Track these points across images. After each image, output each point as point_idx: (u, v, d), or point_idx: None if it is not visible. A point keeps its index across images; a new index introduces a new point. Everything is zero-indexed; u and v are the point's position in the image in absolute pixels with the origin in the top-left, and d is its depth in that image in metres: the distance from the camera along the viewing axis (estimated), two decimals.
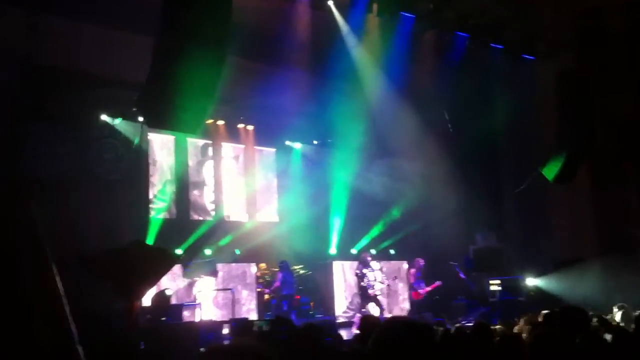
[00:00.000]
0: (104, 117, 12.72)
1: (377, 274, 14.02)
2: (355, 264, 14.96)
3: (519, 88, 15.50)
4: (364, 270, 13.82)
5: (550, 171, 14.54)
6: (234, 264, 14.38)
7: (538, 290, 15.13)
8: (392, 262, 16.45)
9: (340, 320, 14.89)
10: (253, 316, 13.98)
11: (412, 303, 15.21)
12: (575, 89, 13.97)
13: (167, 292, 12.02)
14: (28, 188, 9.62)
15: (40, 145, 11.21)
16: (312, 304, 14.54)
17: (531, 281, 15.29)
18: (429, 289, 14.83)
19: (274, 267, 14.33)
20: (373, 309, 13.76)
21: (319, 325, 6.07)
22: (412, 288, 15.09)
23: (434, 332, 2.42)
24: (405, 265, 16.56)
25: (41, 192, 9.78)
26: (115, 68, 11.92)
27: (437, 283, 14.88)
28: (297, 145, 16.55)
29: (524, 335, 5.61)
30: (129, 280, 8.09)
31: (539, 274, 15.30)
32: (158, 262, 8.80)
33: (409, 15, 13.83)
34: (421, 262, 15.13)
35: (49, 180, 11.00)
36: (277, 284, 13.72)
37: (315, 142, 16.61)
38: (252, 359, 2.07)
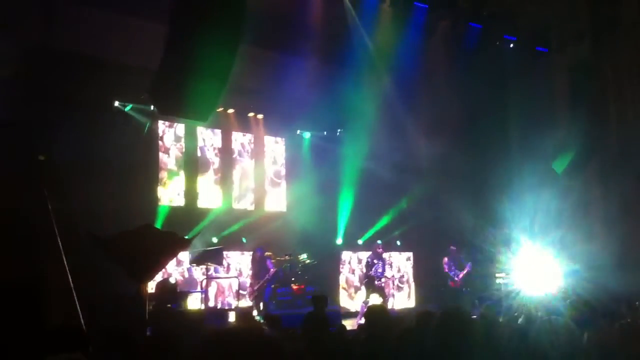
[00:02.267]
0: (116, 104, 12.73)
1: (386, 266, 14.08)
2: (360, 254, 14.94)
3: (532, 80, 15.43)
4: (375, 260, 13.88)
5: (560, 164, 14.49)
6: (240, 252, 14.43)
7: None
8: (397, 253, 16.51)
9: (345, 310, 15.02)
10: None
11: (450, 292, 15.10)
12: (589, 82, 13.87)
13: (171, 280, 12.08)
14: (42, 172, 9.67)
15: (55, 130, 11.24)
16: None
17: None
18: (462, 274, 14.86)
19: (280, 256, 14.32)
20: (376, 300, 13.80)
21: (324, 314, 6.07)
22: (448, 277, 15.02)
23: None
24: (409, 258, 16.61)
25: (55, 177, 9.81)
26: (130, 54, 11.94)
27: (468, 266, 14.90)
28: (307, 135, 16.53)
29: None
30: (140, 262, 8.14)
31: None
32: (168, 245, 8.83)
33: (422, 5, 13.79)
34: (454, 249, 15.11)
35: (63, 165, 11.04)
36: (272, 270, 13.65)
37: (325, 132, 16.55)
38: (255, 341, 2.09)
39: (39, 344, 4.59)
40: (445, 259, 15.14)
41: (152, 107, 12.49)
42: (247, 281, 14.04)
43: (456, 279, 14.90)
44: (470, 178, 16.32)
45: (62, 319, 6.00)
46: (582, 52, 15.04)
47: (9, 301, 5.57)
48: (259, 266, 13.46)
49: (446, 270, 15.01)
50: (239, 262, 14.42)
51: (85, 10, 11.73)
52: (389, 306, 14.15)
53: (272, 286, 13.57)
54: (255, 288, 13.28)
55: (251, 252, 14.07)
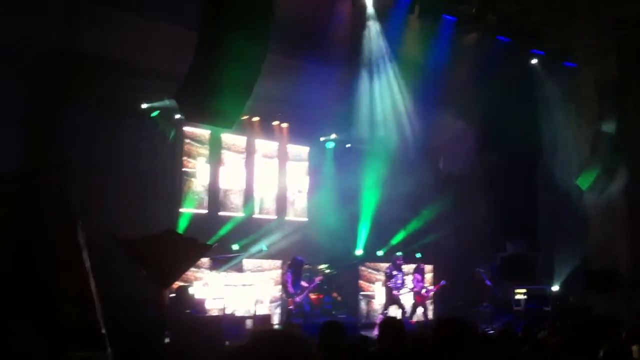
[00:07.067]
0: (143, 107, 12.75)
1: (405, 278, 14.01)
2: (379, 265, 14.91)
3: (559, 94, 15.34)
4: (394, 272, 13.81)
5: (585, 180, 14.36)
6: (260, 261, 14.43)
7: (565, 301, 14.96)
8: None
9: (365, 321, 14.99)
10: (276, 312, 14.10)
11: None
12: (616, 98, 13.74)
13: (190, 287, 12.08)
14: (63, 172, 9.74)
15: (76, 131, 11.32)
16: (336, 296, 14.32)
17: (559, 291, 15.13)
18: (434, 289, 14.76)
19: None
20: (395, 311, 13.74)
21: (341, 323, 6.04)
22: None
23: None
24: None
25: (75, 177, 9.87)
26: (155, 59, 11.99)
27: (442, 282, 14.71)
28: (331, 145, 16.50)
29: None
30: (162, 267, 8.18)
31: (569, 284, 15.13)
32: (189, 250, 8.87)
33: (451, 18, 13.77)
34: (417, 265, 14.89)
35: (83, 166, 11.11)
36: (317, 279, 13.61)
37: (348, 145, 16.50)
38: (295, 345, 2.10)
39: (57, 343, 4.62)
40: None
41: (177, 115, 12.56)
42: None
43: (425, 293, 14.65)
44: (493, 191, 16.22)
45: (81, 320, 6.03)
46: (609, 68, 14.95)
47: (26, 300, 5.62)
48: (299, 274, 13.36)
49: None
50: (258, 270, 14.43)
51: (110, 13, 11.77)
52: (408, 318, 14.07)
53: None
54: (298, 299, 13.11)
55: (271, 259, 14.14)
